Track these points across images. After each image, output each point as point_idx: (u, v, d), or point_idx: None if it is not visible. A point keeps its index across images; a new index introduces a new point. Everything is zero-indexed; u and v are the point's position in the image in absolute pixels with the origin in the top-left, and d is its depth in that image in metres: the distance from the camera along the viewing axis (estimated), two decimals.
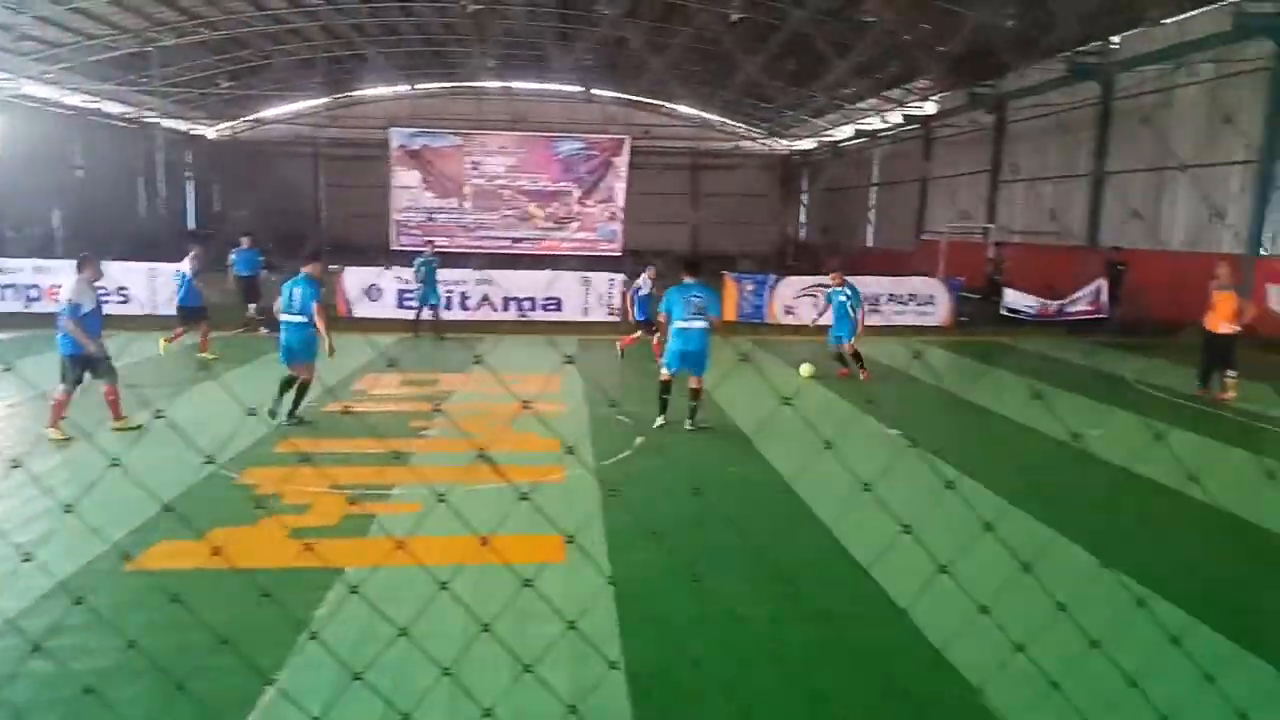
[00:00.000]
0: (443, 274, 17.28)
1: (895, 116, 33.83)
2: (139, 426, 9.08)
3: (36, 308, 16.67)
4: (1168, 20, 20.08)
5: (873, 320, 16.51)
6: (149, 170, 35.19)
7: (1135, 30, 21.28)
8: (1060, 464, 8.57)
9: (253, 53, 32.78)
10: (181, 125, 39.07)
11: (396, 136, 37.34)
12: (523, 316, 18.50)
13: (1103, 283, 19.02)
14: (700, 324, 9.48)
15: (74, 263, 9.27)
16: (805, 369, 13.16)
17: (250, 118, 42.61)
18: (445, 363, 14.13)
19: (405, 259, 19.57)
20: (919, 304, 19.78)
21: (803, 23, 23.59)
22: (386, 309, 18.17)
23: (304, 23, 30.11)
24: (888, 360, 14.63)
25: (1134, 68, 20.97)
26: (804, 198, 47.88)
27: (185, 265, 13.83)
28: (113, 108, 33.85)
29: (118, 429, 9.09)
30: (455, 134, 37.86)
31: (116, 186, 34.04)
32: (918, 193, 33.36)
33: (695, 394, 9.73)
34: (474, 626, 4.83)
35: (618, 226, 38.14)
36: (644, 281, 14.39)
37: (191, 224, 40.05)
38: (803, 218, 48.39)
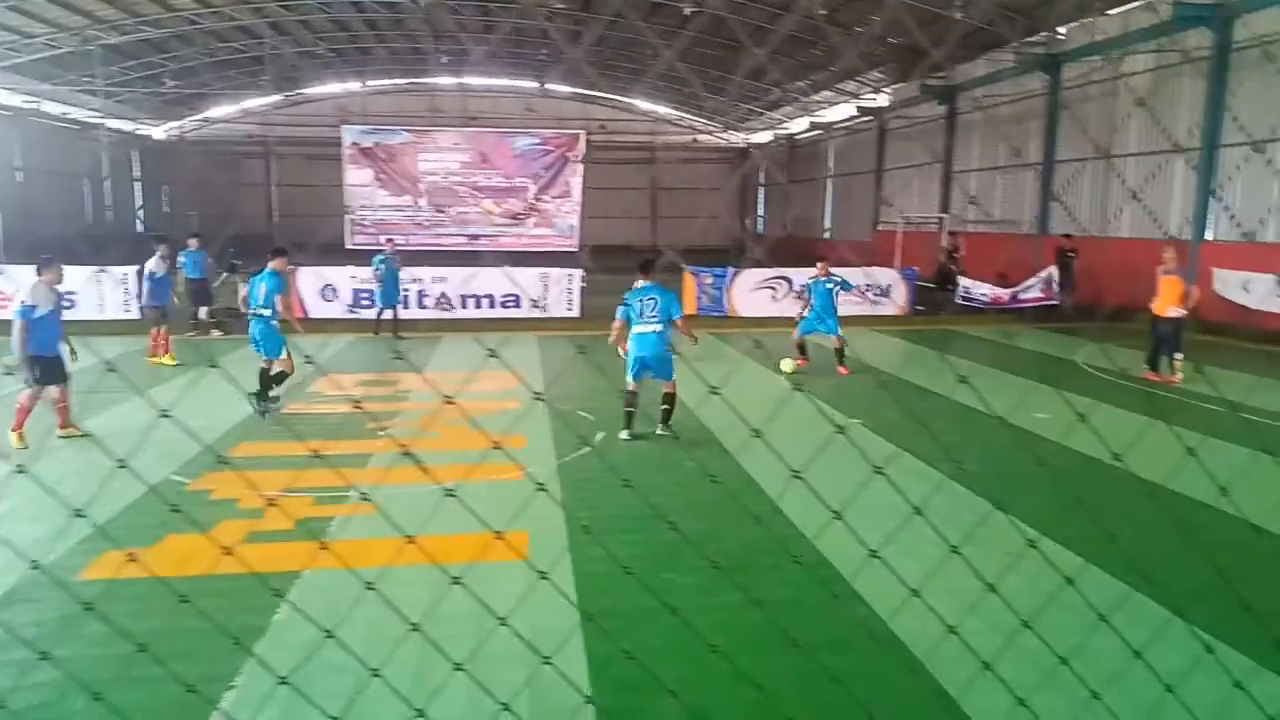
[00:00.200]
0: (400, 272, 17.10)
1: (849, 109, 34.12)
2: (87, 434, 8.92)
3: None
4: (1112, 11, 20.49)
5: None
6: (94, 172, 34.36)
7: (1081, 21, 21.70)
8: (1005, 443, 8.69)
9: (198, 50, 32.12)
10: (127, 125, 38.15)
11: (349, 134, 36.88)
12: (481, 314, 18.40)
13: (1053, 270, 19.36)
14: (656, 327, 8.98)
15: (32, 267, 9.22)
16: (787, 364, 12.83)
17: (198, 117, 41.78)
18: (403, 363, 14.00)
19: (362, 258, 19.34)
20: (876, 293, 19.99)
21: (756, 16, 23.72)
22: (342, 309, 17.94)
23: (251, 20, 29.55)
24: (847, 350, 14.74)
25: (1080, 58, 21.38)
26: (761, 191, 48.18)
27: (152, 263, 13.53)
28: (54, 108, 32.95)
29: (64, 436, 8.89)
30: (409, 130, 37.50)
31: (60, 189, 33.15)
32: (873, 184, 33.70)
33: (668, 398, 9.18)
34: (432, 625, 4.80)
35: (575, 221, 38.05)
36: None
37: (140, 226, 39.19)
38: (761, 211, 48.70)
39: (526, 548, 6.11)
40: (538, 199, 38.00)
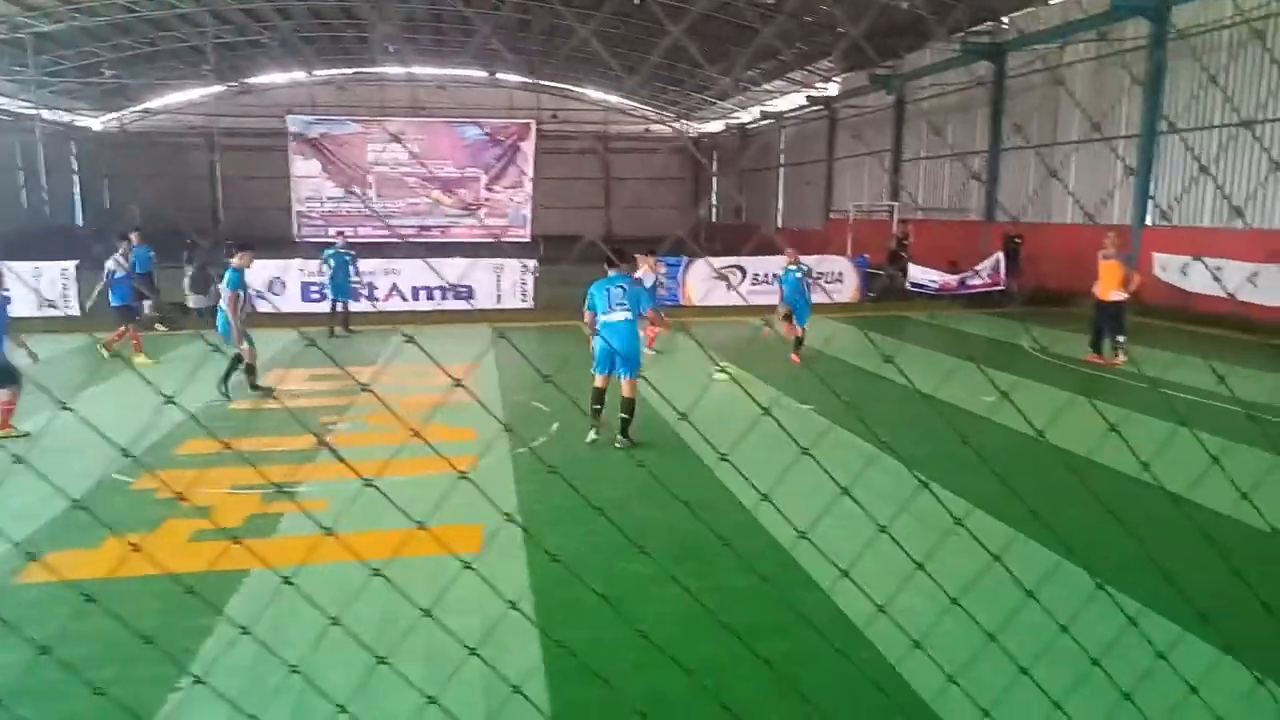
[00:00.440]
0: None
1: (799, 98, 34.35)
2: (26, 434, 8.70)
3: None
4: (1053, 0, 20.88)
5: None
6: (30, 165, 33.30)
7: (1024, 10, 22.07)
8: (947, 425, 8.83)
9: (137, 39, 31.26)
10: (63, 117, 37.03)
11: (294, 124, 36.16)
12: (434, 306, 18.22)
13: (1000, 256, 19.72)
14: (624, 316, 8.52)
15: None
16: (720, 374, 11.71)
17: (138, 108, 40.67)
18: (355, 356, 13.84)
19: (311, 251, 19.03)
20: (827, 281, 20.19)
21: (706, 5, 23.74)
22: (291, 302, 17.65)
23: (192, 8, 28.80)
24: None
25: (1022, 47, 21.76)
26: (714, 180, 48.33)
27: (111, 262, 13.16)
28: None
29: (2, 437, 8.65)
30: (356, 121, 36.91)
31: None
32: (825, 173, 33.99)
33: (628, 404, 8.60)
34: (389, 621, 4.77)
35: (527, 211, 37.80)
36: (645, 271, 13.32)
37: (80, 220, 38.09)
38: (714, 200, 48.87)
39: (480, 540, 6.09)
40: (489, 189, 37.66)
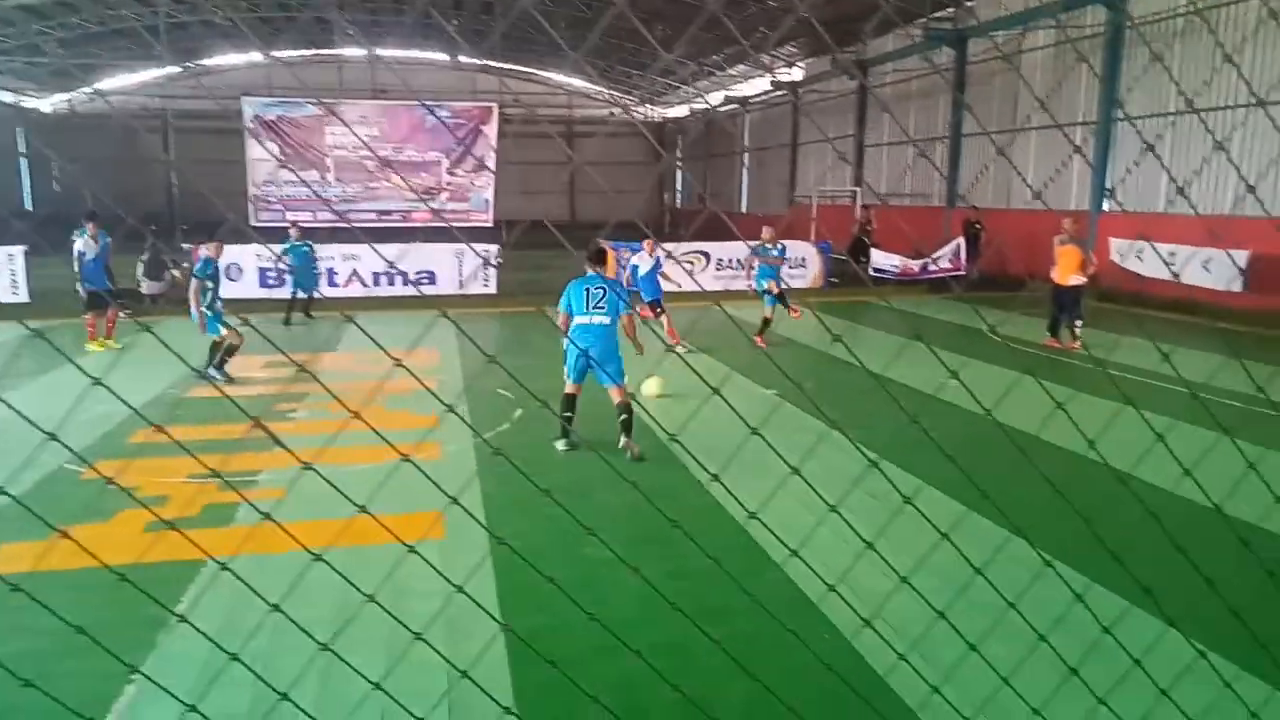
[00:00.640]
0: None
1: (764, 83, 34.40)
2: None
3: None
4: None
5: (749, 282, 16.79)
6: None
7: None
8: (907, 406, 8.94)
9: (86, 18, 30.44)
10: (8, 98, 36.01)
11: (250, 106, 35.43)
12: (394, 291, 18.03)
13: (961, 241, 19.94)
14: (604, 319, 7.93)
15: None
16: (650, 385, 10.31)
17: (89, 89, 39.66)
18: (311, 342, 13.69)
19: (267, 236, 18.68)
20: (790, 266, 20.26)
21: None
22: (248, 289, 17.36)
23: None
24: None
25: (983, 34, 21.94)
26: (679, 165, 48.31)
27: (81, 244, 12.73)
28: None
29: None
30: (314, 104, 36.26)
31: None
32: (789, 158, 34.11)
33: (623, 408, 7.87)
34: (346, 609, 4.72)
35: (489, 196, 37.47)
36: (642, 256, 13.17)
37: (28, 205, 37.13)
38: (679, 185, 48.84)
39: (442, 526, 6.06)
40: (450, 173, 37.25)
